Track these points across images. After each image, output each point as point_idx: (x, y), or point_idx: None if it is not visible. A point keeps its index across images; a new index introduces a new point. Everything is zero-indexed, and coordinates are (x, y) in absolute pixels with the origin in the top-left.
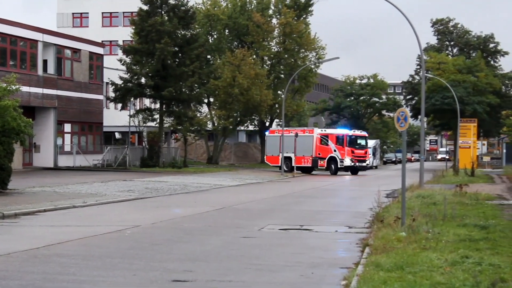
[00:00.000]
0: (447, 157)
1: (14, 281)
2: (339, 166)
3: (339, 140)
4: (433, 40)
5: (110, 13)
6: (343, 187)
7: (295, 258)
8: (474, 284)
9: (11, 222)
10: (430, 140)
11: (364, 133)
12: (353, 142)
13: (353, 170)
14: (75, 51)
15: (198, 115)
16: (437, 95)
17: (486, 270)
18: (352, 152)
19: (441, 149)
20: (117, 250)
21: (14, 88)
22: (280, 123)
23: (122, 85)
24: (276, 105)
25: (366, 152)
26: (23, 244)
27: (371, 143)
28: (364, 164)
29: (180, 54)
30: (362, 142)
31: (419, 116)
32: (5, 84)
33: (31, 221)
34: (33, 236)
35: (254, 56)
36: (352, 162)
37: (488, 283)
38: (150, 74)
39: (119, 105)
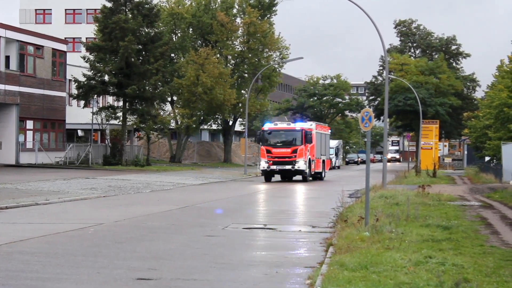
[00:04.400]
0: (398, 156)
1: None
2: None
3: None
4: (396, 41)
5: (74, 9)
6: (306, 187)
7: (259, 257)
8: (438, 284)
9: None
10: (392, 141)
11: (292, 125)
12: (271, 138)
13: (302, 176)
14: (38, 47)
15: (162, 113)
16: (399, 96)
17: (449, 270)
18: (268, 151)
19: (390, 148)
20: (80, 248)
21: None
22: (244, 122)
23: (85, 82)
24: (240, 104)
25: (294, 151)
26: None
27: (333, 143)
28: (288, 167)
29: (144, 52)
30: (288, 137)
31: (382, 117)
32: None
33: None
34: None
35: (218, 55)
36: (267, 164)
37: (452, 283)
38: (113, 72)
39: (82, 103)
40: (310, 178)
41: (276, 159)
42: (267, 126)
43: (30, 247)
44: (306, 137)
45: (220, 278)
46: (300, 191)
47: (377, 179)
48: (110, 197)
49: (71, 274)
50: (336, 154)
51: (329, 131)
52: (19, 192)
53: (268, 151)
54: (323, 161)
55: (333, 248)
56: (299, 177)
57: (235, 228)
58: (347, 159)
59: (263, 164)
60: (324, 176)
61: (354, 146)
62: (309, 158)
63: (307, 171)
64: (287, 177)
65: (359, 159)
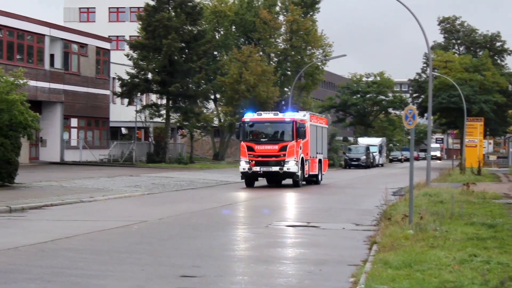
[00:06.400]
0: (439, 154)
1: (22, 274)
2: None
3: None
4: (440, 39)
5: (117, 8)
6: (349, 184)
7: (302, 254)
8: (483, 282)
9: (18, 216)
10: (436, 138)
11: (280, 116)
12: (253, 132)
13: (293, 180)
14: (82, 45)
15: (205, 111)
16: (443, 94)
17: (494, 268)
18: (250, 149)
19: (433, 145)
20: (124, 245)
21: (21, 82)
22: None
23: (129, 80)
24: (283, 102)
25: (282, 148)
26: (30, 238)
27: (377, 141)
28: (275, 168)
29: (187, 50)
30: (275, 131)
31: (426, 115)
32: (13, 78)
33: (38, 215)
34: (40, 230)
35: (261, 53)
36: (247, 165)
37: (497, 282)
38: (156, 70)
39: (126, 100)
40: (304, 182)
41: (260, 159)
42: (249, 116)
43: (75, 244)
44: (298, 130)
45: (264, 275)
46: (342, 188)
47: (421, 177)
48: (154, 194)
49: (115, 271)
50: (380, 152)
51: (327, 124)
52: (64, 189)
53: (250, 149)
54: (320, 160)
55: (376, 246)
56: (289, 181)
57: (278, 226)
58: (390, 157)
59: (243, 165)
60: (321, 179)
61: (398, 144)
62: (302, 157)
63: (299, 173)
64: (275, 181)
65: (403, 156)
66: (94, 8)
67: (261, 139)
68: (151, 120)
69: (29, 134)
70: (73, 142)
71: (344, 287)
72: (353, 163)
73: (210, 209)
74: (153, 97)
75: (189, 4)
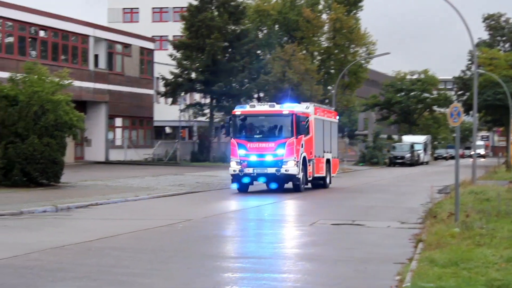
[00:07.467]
0: (483, 152)
1: (69, 273)
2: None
3: None
4: (485, 36)
5: (160, 8)
6: (393, 183)
7: (348, 253)
8: None
9: (64, 215)
10: (481, 136)
11: (277, 108)
12: (245, 128)
13: (293, 183)
14: (126, 46)
15: None
16: (488, 91)
17: None
18: (241, 147)
19: (479, 143)
20: (169, 244)
21: (66, 82)
22: None
23: (173, 80)
24: (327, 101)
25: (280, 146)
26: (76, 237)
27: (422, 138)
28: (271, 170)
29: (230, 49)
30: (271, 126)
31: (471, 112)
32: (58, 79)
33: (83, 214)
34: (86, 229)
35: (304, 52)
36: (239, 166)
37: None
38: (200, 69)
39: (170, 100)
40: (309, 186)
41: (254, 159)
42: (240, 109)
43: (121, 243)
44: (299, 125)
45: (310, 274)
46: (386, 186)
47: (467, 175)
48: (198, 193)
49: (161, 270)
50: (424, 150)
51: (337, 117)
52: (109, 188)
53: (242, 146)
54: (328, 160)
55: (422, 244)
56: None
57: (323, 224)
58: (435, 155)
59: (234, 166)
60: (330, 182)
61: (443, 142)
62: (304, 157)
63: (300, 176)
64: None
65: (448, 154)
66: (138, 8)
67: (255, 136)
68: (195, 119)
69: (75, 134)
70: (118, 142)
71: (390, 285)
72: (397, 161)
73: (254, 208)
74: (197, 97)
75: (232, 3)
